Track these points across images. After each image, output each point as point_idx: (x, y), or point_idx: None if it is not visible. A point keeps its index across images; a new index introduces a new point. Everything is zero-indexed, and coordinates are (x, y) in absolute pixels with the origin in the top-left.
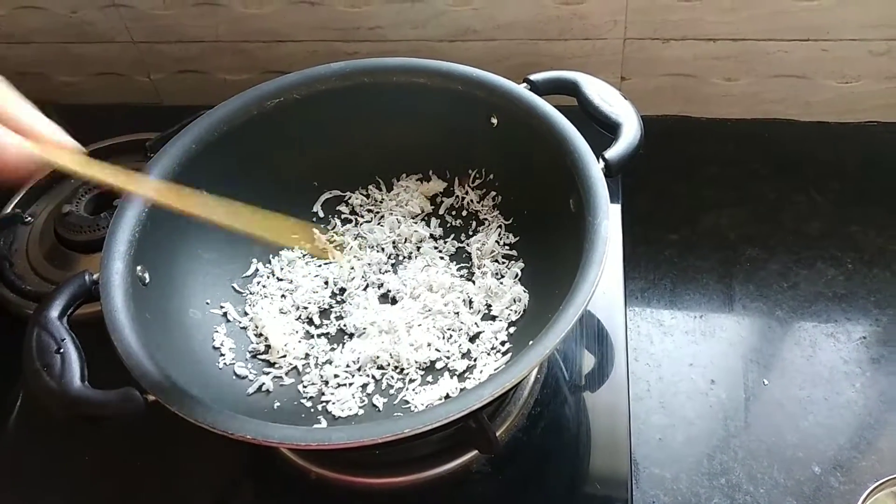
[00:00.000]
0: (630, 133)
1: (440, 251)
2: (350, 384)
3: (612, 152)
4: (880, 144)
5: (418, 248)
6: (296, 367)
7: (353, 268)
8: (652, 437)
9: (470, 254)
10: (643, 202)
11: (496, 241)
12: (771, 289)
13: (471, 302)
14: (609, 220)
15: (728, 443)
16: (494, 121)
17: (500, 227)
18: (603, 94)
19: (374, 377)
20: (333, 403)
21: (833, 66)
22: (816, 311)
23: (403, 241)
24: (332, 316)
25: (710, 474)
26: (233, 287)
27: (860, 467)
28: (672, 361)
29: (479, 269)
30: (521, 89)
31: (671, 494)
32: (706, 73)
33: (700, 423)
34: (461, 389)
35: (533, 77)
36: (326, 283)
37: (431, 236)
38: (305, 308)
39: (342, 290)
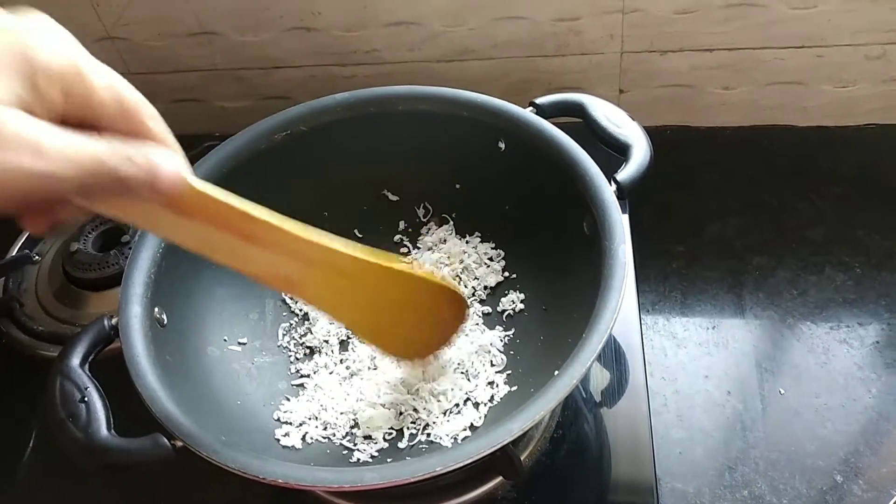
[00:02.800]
0: (640, 154)
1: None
2: None
3: (624, 175)
4: (879, 146)
5: None
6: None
7: None
8: (672, 452)
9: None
10: (647, 214)
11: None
12: (781, 296)
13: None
14: (626, 245)
15: (748, 454)
16: (502, 145)
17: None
18: (610, 116)
19: (398, 410)
20: (358, 437)
21: (829, 71)
22: (828, 317)
23: None
24: (350, 347)
25: (732, 487)
26: (252, 321)
27: (882, 474)
28: (687, 374)
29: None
30: (528, 113)
31: None
32: (704, 83)
33: (718, 435)
34: (484, 417)
35: (539, 101)
36: None
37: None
38: (326, 342)
39: None
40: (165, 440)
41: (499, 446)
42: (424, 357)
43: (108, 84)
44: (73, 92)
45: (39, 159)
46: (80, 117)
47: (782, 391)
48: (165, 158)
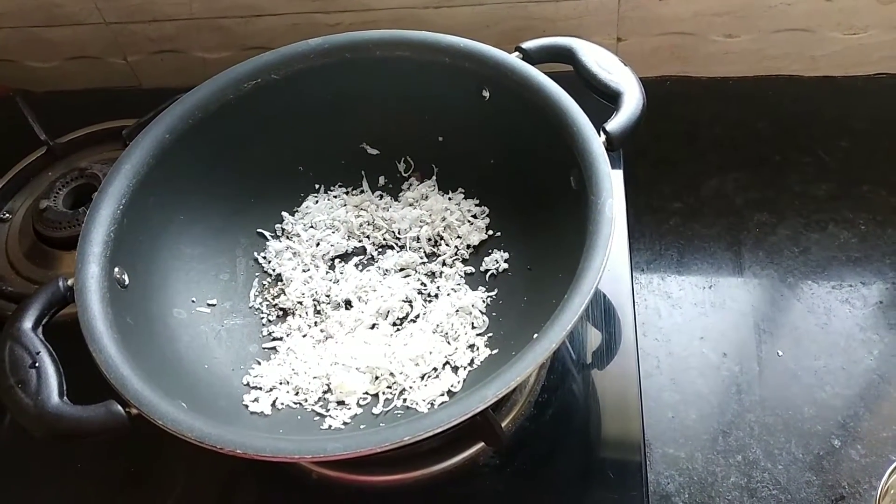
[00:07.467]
0: (631, 103)
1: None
2: None
3: (614, 124)
4: (890, 97)
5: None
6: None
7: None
8: (664, 416)
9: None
10: (643, 169)
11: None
12: (781, 255)
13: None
14: (613, 199)
15: (743, 418)
16: (486, 94)
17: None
18: (601, 61)
19: (373, 374)
20: (331, 402)
21: (839, 17)
22: (830, 276)
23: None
24: (325, 309)
25: (725, 452)
26: (222, 281)
27: (881, 439)
28: (681, 335)
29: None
30: (514, 59)
31: (686, 474)
32: (706, 30)
33: (713, 398)
34: (463, 381)
35: (525, 45)
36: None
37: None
38: (300, 303)
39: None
40: (119, 407)
41: (472, 414)
42: None
43: None
44: None
45: None
46: None
47: (780, 353)
48: None
